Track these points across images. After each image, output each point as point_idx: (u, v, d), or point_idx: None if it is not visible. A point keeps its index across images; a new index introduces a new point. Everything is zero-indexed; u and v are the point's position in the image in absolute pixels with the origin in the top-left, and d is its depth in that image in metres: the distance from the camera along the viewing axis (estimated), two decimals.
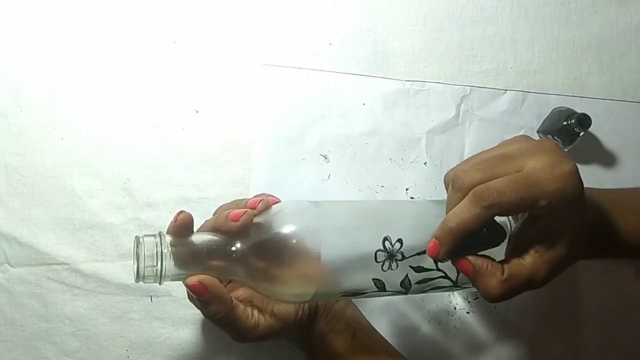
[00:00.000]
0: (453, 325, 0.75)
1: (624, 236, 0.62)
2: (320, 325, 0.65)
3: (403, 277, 0.57)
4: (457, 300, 0.76)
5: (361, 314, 0.69)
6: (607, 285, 0.78)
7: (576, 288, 0.77)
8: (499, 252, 0.56)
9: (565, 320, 0.77)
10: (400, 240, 0.56)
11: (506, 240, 0.57)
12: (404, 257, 0.56)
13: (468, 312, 0.76)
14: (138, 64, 0.76)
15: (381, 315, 0.74)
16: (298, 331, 0.64)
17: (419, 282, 0.58)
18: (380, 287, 0.57)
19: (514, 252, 0.55)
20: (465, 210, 0.51)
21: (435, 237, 0.53)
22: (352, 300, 0.69)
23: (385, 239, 0.56)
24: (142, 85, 0.75)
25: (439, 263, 0.58)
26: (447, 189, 0.56)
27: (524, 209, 0.52)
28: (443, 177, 0.57)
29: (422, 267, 0.57)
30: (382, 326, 0.73)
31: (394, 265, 0.56)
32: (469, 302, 0.76)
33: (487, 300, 0.54)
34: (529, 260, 0.53)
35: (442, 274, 0.58)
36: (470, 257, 0.54)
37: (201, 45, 0.77)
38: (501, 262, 0.54)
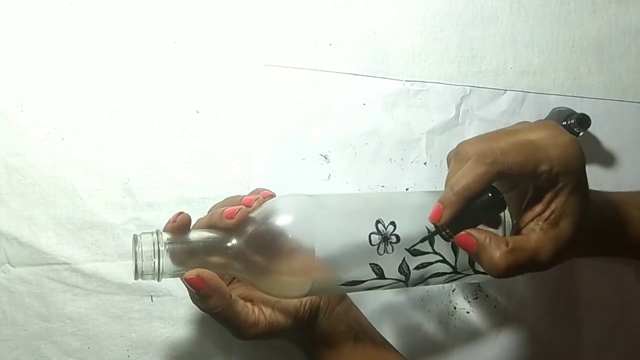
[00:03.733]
0: (453, 325, 0.75)
1: (627, 232, 0.63)
2: (322, 326, 0.65)
3: (400, 262, 0.58)
4: (457, 300, 0.76)
5: (363, 316, 0.69)
6: (607, 285, 0.78)
7: (576, 288, 0.77)
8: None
9: (565, 320, 0.77)
10: (393, 223, 0.57)
11: (505, 225, 0.58)
12: (398, 240, 0.57)
13: (468, 312, 0.76)
14: (138, 64, 0.76)
15: (382, 315, 0.74)
16: (299, 331, 0.64)
17: (417, 268, 0.58)
18: (379, 273, 0.57)
19: (519, 230, 0.55)
20: (468, 172, 0.52)
21: (439, 201, 0.53)
22: (354, 300, 0.69)
23: (378, 221, 0.57)
24: (143, 85, 0.76)
25: (435, 245, 0.58)
26: (448, 166, 0.56)
27: (525, 171, 0.52)
28: (446, 156, 0.58)
29: (419, 249, 0.57)
30: (383, 326, 0.73)
31: (389, 248, 0.57)
32: (469, 301, 0.76)
33: (492, 275, 0.54)
34: (534, 237, 0.54)
35: (440, 258, 0.58)
36: (473, 231, 0.54)
37: (201, 46, 0.77)
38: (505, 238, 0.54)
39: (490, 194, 0.53)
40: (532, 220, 0.55)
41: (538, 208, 0.54)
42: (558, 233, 0.54)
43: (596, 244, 0.61)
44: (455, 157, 0.54)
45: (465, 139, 0.56)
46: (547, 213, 0.54)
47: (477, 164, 0.51)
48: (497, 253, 0.53)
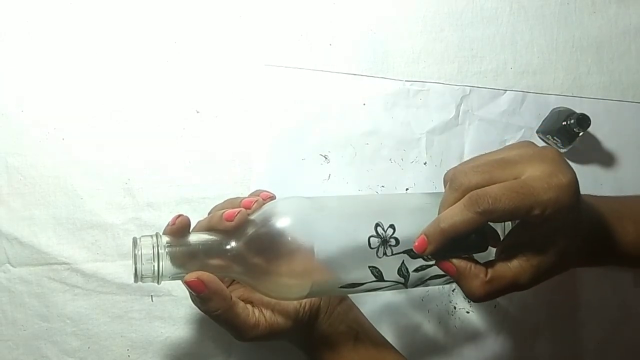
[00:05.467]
0: (453, 325, 0.75)
1: (622, 245, 0.63)
2: (323, 327, 0.65)
3: (399, 265, 0.57)
4: (457, 299, 0.76)
5: (363, 316, 0.69)
6: (606, 286, 0.78)
7: (575, 289, 0.77)
8: (487, 253, 0.57)
9: (565, 320, 0.77)
10: (392, 226, 0.57)
11: (504, 228, 0.59)
12: (398, 243, 0.57)
13: (468, 312, 0.76)
14: (139, 64, 0.76)
15: (381, 315, 0.74)
16: (299, 332, 0.64)
17: (416, 270, 0.58)
18: (378, 275, 0.57)
19: (502, 254, 0.56)
20: (458, 213, 0.52)
21: (425, 234, 0.54)
22: (354, 300, 0.69)
23: (377, 224, 0.57)
24: (143, 85, 0.76)
25: None
26: (445, 186, 0.56)
27: (517, 217, 0.53)
28: (443, 176, 0.57)
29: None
30: (383, 326, 0.73)
31: (388, 251, 0.57)
32: (468, 301, 0.76)
33: (471, 300, 0.56)
34: (515, 264, 0.54)
35: None
36: (454, 260, 0.54)
37: (201, 46, 0.77)
38: (486, 263, 0.55)
39: (474, 235, 0.54)
40: (516, 244, 0.55)
41: (524, 236, 0.55)
42: (540, 261, 0.54)
43: (589, 257, 0.62)
44: (450, 186, 0.54)
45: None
46: (533, 242, 0.54)
47: (468, 209, 0.52)
48: (475, 282, 0.54)
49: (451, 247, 0.54)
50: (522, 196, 0.51)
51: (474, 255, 0.56)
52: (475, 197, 0.51)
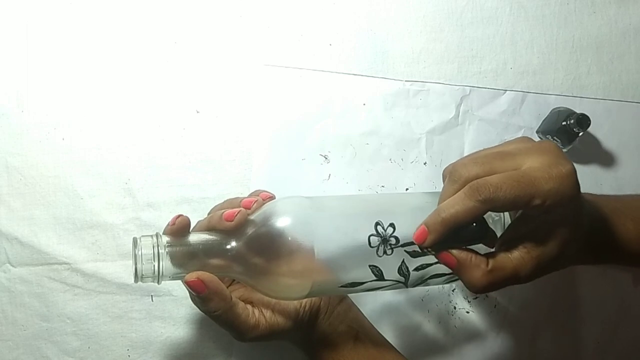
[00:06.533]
0: (453, 325, 0.75)
1: (622, 244, 0.63)
2: (323, 327, 0.65)
3: (400, 263, 0.58)
4: (457, 300, 0.76)
5: (363, 315, 0.69)
6: (606, 285, 0.78)
7: (575, 288, 0.77)
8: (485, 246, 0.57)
9: (565, 320, 0.77)
10: (392, 225, 0.57)
11: (504, 222, 0.59)
12: (398, 242, 0.57)
13: (468, 312, 0.76)
14: (139, 65, 0.76)
15: (381, 315, 0.74)
16: (299, 332, 0.65)
17: (416, 269, 0.58)
18: (378, 274, 0.57)
19: (503, 246, 0.56)
20: (459, 202, 0.52)
21: (425, 224, 0.54)
22: (354, 300, 0.69)
23: (377, 223, 0.57)
24: (143, 85, 0.75)
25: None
26: (443, 181, 0.56)
27: (518, 207, 0.53)
28: (442, 172, 0.57)
29: (418, 251, 0.57)
30: (383, 326, 0.73)
31: (388, 250, 0.57)
32: (468, 301, 0.76)
33: (472, 292, 0.55)
34: (516, 255, 0.54)
35: None
36: (454, 251, 0.54)
37: (202, 46, 0.77)
38: (487, 254, 0.55)
39: (475, 225, 0.54)
40: (518, 236, 0.55)
41: (525, 228, 0.55)
42: (541, 253, 0.54)
43: (589, 255, 0.62)
44: (450, 178, 0.54)
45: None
46: (534, 234, 0.54)
47: (469, 198, 0.52)
48: (477, 273, 0.53)
49: (451, 238, 0.53)
50: (523, 185, 0.51)
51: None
52: (476, 186, 0.51)
